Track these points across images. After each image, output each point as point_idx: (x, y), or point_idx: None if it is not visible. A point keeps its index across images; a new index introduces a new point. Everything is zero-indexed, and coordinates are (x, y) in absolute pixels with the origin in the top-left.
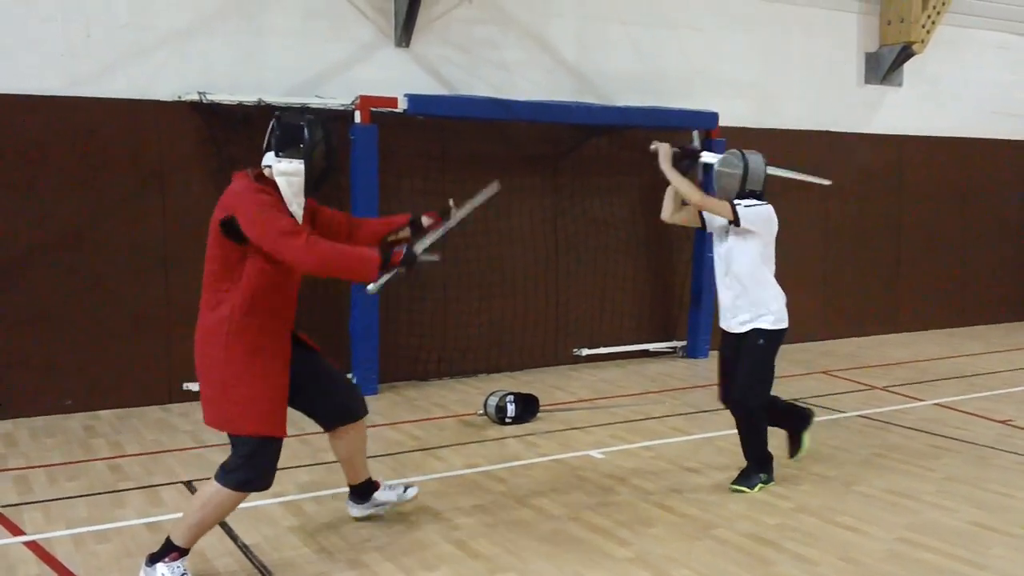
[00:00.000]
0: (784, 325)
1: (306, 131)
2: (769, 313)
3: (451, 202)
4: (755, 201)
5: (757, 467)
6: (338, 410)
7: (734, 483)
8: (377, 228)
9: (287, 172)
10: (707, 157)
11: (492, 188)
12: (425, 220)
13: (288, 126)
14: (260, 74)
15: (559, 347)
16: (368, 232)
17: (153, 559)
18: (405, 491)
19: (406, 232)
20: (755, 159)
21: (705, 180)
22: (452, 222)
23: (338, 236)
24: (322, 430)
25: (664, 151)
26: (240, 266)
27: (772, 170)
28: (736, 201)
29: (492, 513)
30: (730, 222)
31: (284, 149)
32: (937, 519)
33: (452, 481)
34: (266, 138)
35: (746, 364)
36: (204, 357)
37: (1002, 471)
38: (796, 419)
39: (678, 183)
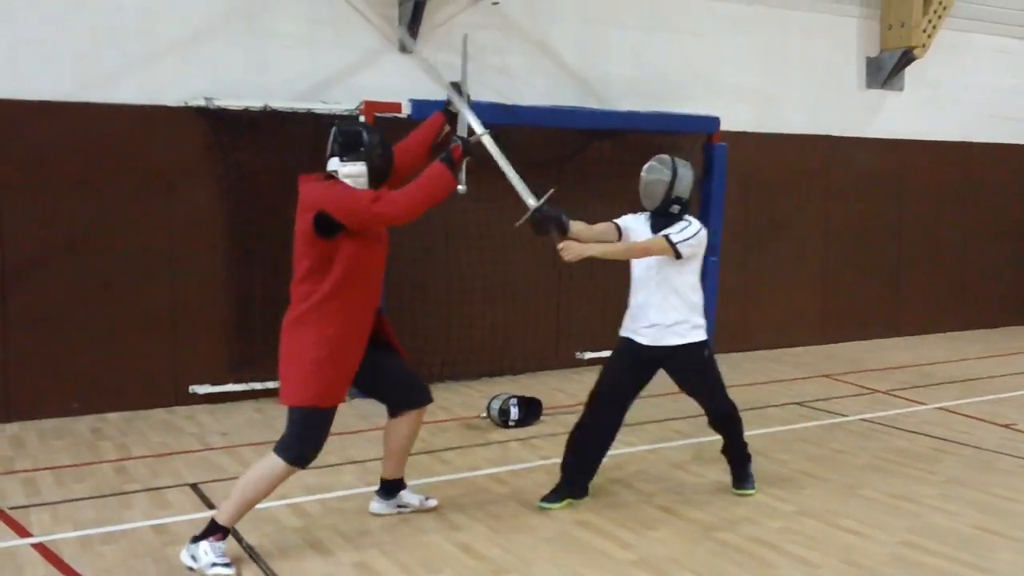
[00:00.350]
0: (706, 337)
1: (365, 136)
2: (702, 324)
3: (450, 84)
4: (688, 225)
5: (747, 464)
6: (403, 395)
7: (737, 488)
8: (421, 139)
9: (352, 174)
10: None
11: (465, 42)
12: (451, 109)
13: (348, 133)
14: (266, 80)
15: (561, 350)
16: (415, 150)
17: (199, 536)
18: (427, 499)
19: (446, 129)
20: (684, 167)
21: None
22: (465, 88)
23: (400, 178)
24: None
25: (573, 249)
26: (331, 260)
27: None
28: (668, 231)
29: (495, 515)
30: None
31: (347, 154)
32: (940, 523)
33: (455, 484)
34: (329, 146)
35: (704, 379)
36: (293, 343)
37: (1005, 475)
38: (582, 481)
39: (603, 253)
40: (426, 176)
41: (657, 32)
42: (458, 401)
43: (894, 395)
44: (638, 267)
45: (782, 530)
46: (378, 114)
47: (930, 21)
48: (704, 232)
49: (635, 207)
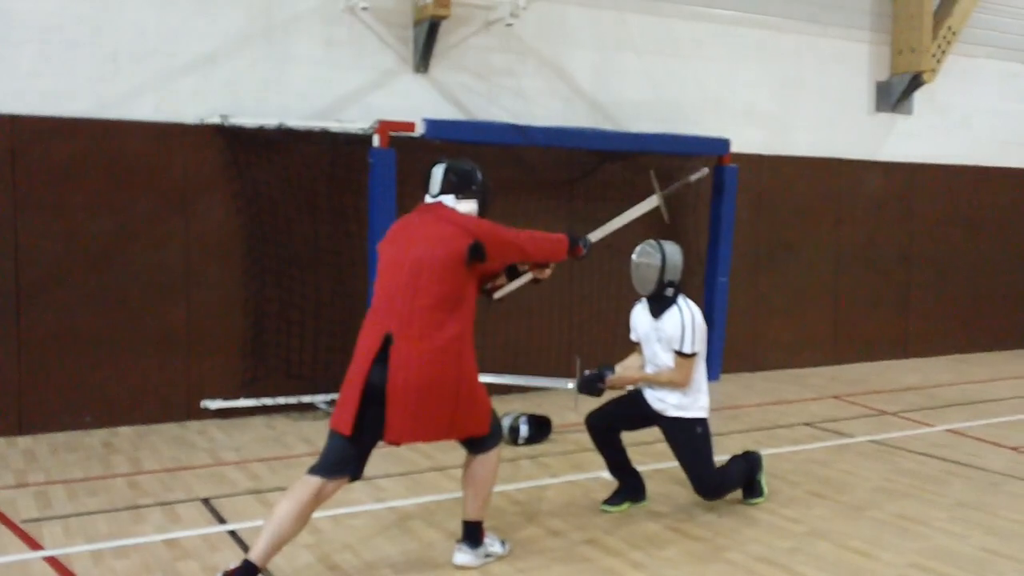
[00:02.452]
0: (707, 414)
1: (478, 174)
2: (699, 403)
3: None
4: (683, 319)
5: (750, 477)
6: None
7: (746, 500)
8: None
9: (466, 211)
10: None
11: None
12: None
13: (462, 171)
14: (282, 98)
15: (572, 369)
16: None
17: (478, 540)
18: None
19: (501, 278)
20: (671, 249)
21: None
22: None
23: None
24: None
25: (620, 380)
26: (465, 289)
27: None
28: (678, 347)
29: (505, 534)
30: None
31: (461, 191)
32: (948, 545)
33: None
34: (437, 183)
35: (691, 454)
36: (433, 378)
37: (1013, 498)
38: (636, 485)
39: (645, 380)
40: (555, 242)
41: (670, 56)
42: None
43: (902, 417)
44: (649, 357)
45: (791, 551)
46: (393, 133)
47: (939, 46)
48: (698, 317)
49: (647, 230)
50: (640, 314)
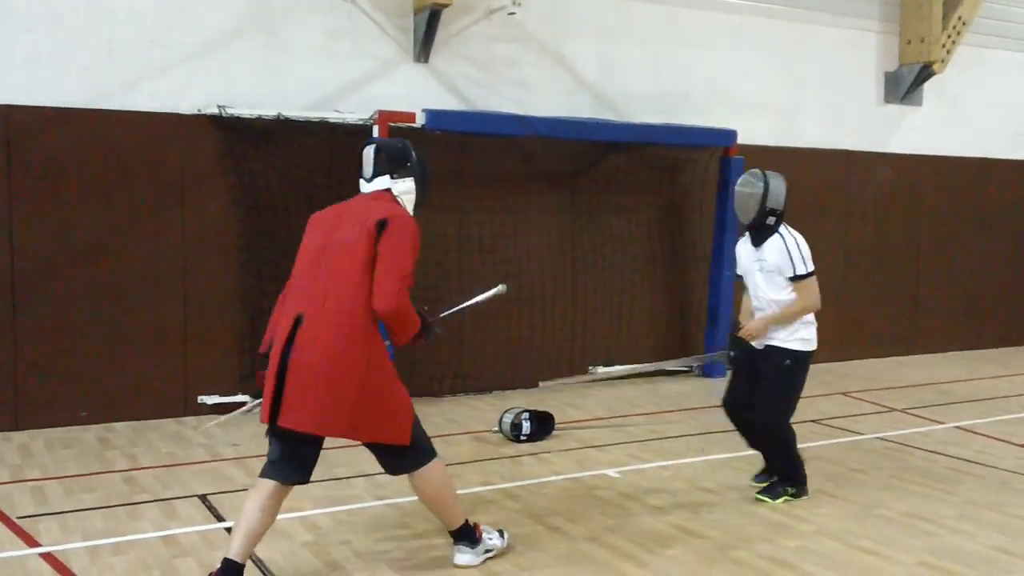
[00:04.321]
0: (812, 347)
1: (412, 152)
2: (795, 332)
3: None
4: (794, 243)
5: (786, 480)
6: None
7: (759, 492)
8: None
9: (405, 191)
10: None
11: (496, 290)
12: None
13: (395, 149)
14: (280, 89)
15: (575, 365)
16: None
17: (470, 543)
18: (503, 534)
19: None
20: (776, 179)
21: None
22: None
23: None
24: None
25: (754, 326)
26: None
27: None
28: (791, 271)
29: (508, 531)
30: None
31: (396, 171)
32: (958, 543)
33: (467, 498)
34: (370, 165)
35: (769, 385)
36: (335, 364)
37: (1023, 496)
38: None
39: (789, 318)
40: (416, 319)
41: (675, 46)
42: (470, 415)
43: (911, 413)
44: (751, 290)
45: (799, 549)
46: (392, 124)
47: (949, 36)
48: (801, 238)
49: (651, 222)
50: (742, 246)
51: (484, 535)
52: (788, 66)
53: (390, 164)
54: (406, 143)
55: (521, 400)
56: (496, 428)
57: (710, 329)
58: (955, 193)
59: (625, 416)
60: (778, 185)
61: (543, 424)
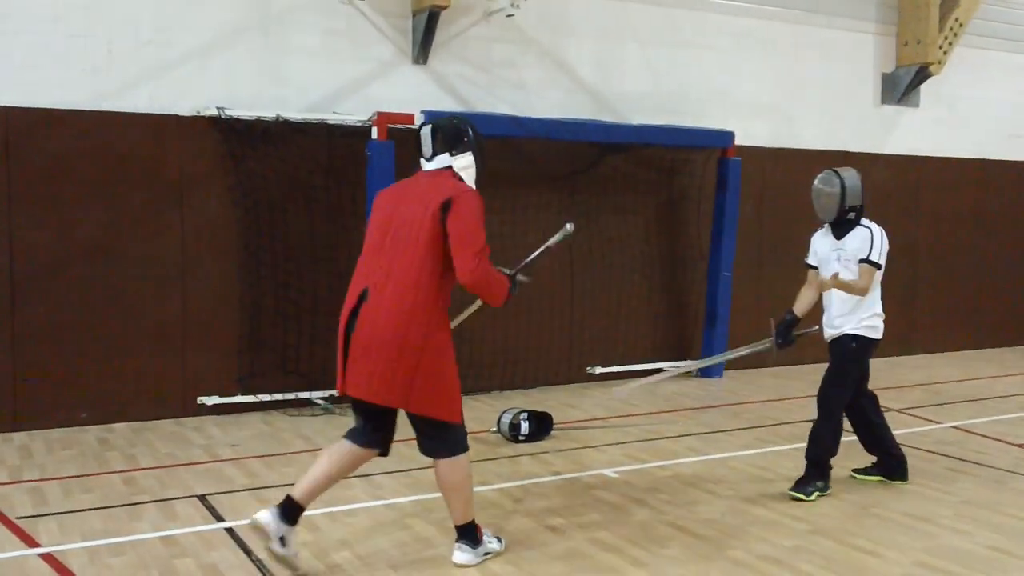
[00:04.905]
0: (877, 336)
1: (467, 128)
2: (863, 321)
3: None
4: (868, 234)
5: (815, 473)
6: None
7: (791, 489)
8: None
9: (465, 166)
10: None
11: (565, 231)
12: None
13: (448, 127)
14: (279, 90)
15: (573, 365)
16: None
17: (472, 543)
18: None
19: None
20: (850, 175)
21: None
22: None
23: None
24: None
25: (822, 284)
26: (448, 257)
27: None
28: (865, 256)
29: (506, 531)
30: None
31: (455, 147)
32: (955, 543)
33: None
34: (429, 145)
35: (834, 366)
36: (395, 337)
37: (1020, 495)
38: (893, 465)
39: (836, 283)
40: (500, 280)
41: (673, 47)
42: (468, 415)
43: (908, 413)
44: (824, 274)
45: (795, 549)
46: (391, 125)
47: (946, 38)
48: (883, 235)
49: (649, 223)
50: (821, 238)
51: (485, 538)
52: (785, 67)
53: (448, 142)
54: (461, 119)
55: (519, 400)
56: (494, 428)
57: (708, 329)
58: (952, 194)
59: (623, 416)
60: (853, 182)
61: (541, 424)
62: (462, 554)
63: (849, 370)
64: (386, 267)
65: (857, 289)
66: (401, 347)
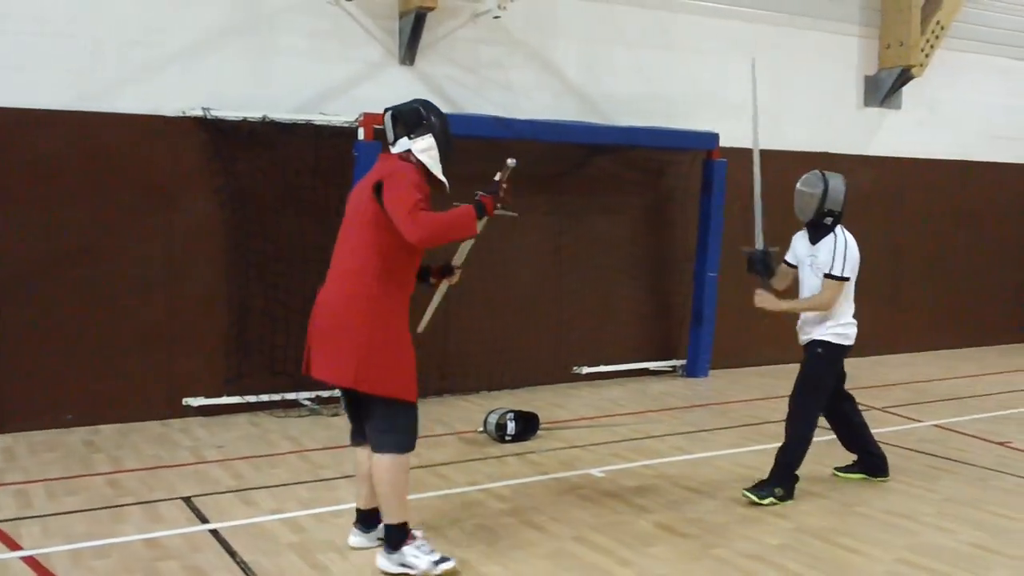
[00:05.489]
0: (846, 342)
1: (423, 110)
2: (831, 328)
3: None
4: (835, 245)
5: (776, 479)
6: None
7: (747, 488)
8: None
9: (425, 148)
10: (761, 244)
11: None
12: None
13: (407, 111)
14: (266, 91)
15: (560, 365)
16: None
17: (394, 545)
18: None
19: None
20: (835, 181)
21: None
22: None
23: None
24: (350, 443)
25: (768, 301)
26: (388, 238)
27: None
28: (828, 268)
29: (493, 531)
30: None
31: (414, 131)
32: (937, 540)
33: (453, 499)
34: (390, 131)
35: (802, 372)
36: (343, 320)
37: (1002, 493)
38: (874, 463)
39: (801, 311)
40: (456, 213)
41: (659, 50)
42: (455, 415)
43: (890, 412)
44: (800, 281)
45: (780, 547)
46: (377, 127)
47: (928, 41)
48: (852, 247)
49: (636, 224)
50: (799, 239)
51: (411, 549)
52: (770, 70)
53: (407, 126)
54: (420, 102)
55: (506, 400)
56: (481, 428)
57: (694, 329)
58: (934, 195)
59: (610, 416)
60: (837, 187)
61: (528, 424)
62: (380, 557)
63: (818, 376)
64: (338, 255)
65: (820, 306)
66: (347, 328)
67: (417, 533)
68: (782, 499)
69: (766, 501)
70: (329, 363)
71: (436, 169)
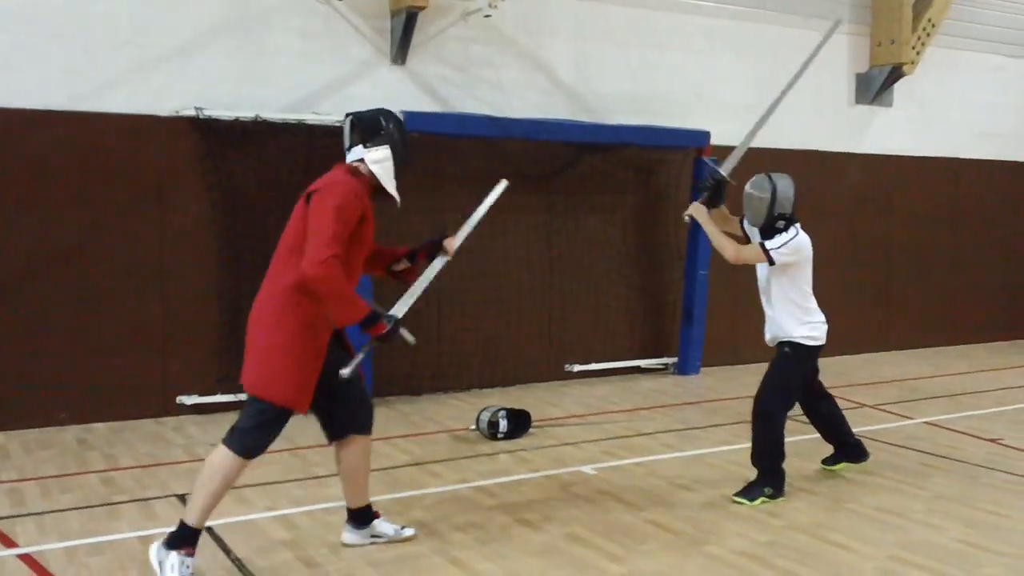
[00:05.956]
0: (814, 343)
1: (383, 120)
2: (800, 331)
3: (446, 231)
4: (785, 233)
5: (763, 480)
6: (346, 419)
7: (736, 494)
8: (391, 254)
9: (379, 159)
10: (725, 172)
11: (499, 187)
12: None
13: (367, 119)
14: (259, 91)
15: (551, 363)
16: (383, 258)
17: (170, 544)
18: (402, 529)
19: (404, 263)
20: (783, 182)
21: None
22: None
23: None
24: (326, 441)
25: (700, 214)
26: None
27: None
28: (765, 241)
29: (485, 528)
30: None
31: (369, 139)
32: (928, 537)
33: (445, 496)
34: (347, 136)
35: (769, 371)
36: (257, 323)
37: (992, 490)
38: (853, 451)
39: (716, 243)
40: (354, 300)
41: (650, 48)
42: (447, 413)
43: (882, 409)
44: (760, 281)
45: (771, 544)
46: None
47: (919, 38)
48: (801, 239)
49: (627, 222)
50: (754, 233)
51: (177, 559)
52: (760, 68)
53: (364, 133)
54: (382, 110)
55: (498, 398)
56: (473, 426)
57: (685, 327)
58: (925, 193)
59: (601, 414)
60: (785, 189)
61: (520, 422)
62: (155, 556)
63: (785, 376)
64: (273, 259)
65: (727, 252)
66: (256, 336)
67: (190, 560)
68: (773, 497)
69: (757, 502)
70: (244, 368)
71: (389, 184)
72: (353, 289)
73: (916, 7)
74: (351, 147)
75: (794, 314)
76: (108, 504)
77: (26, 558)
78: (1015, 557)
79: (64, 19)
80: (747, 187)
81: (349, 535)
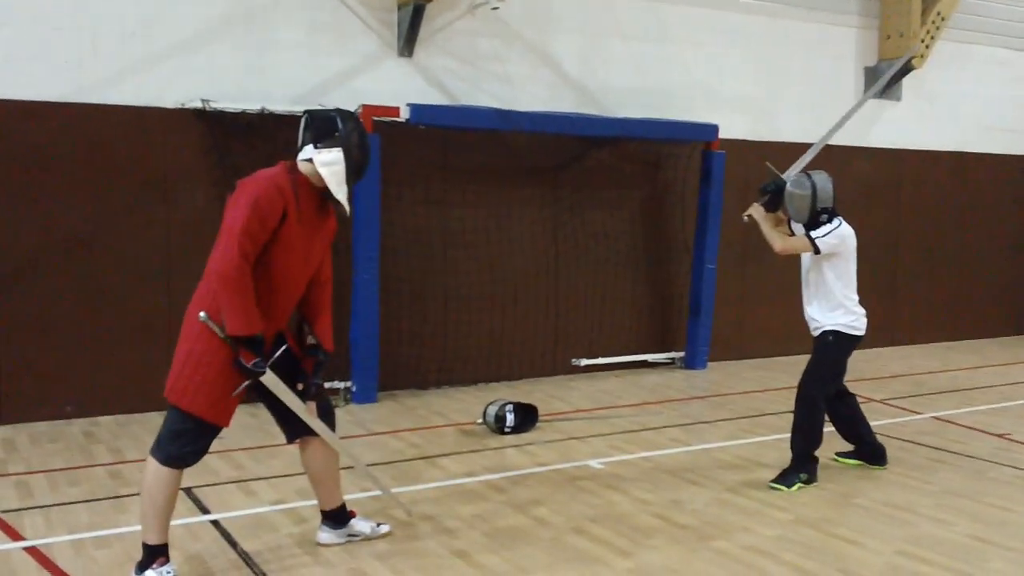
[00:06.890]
0: (856, 332)
1: (339, 121)
2: (840, 320)
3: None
4: (829, 224)
5: (798, 465)
6: (300, 421)
7: (772, 480)
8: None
9: (328, 162)
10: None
11: None
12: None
13: (322, 119)
14: (265, 83)
15: (558, 357)
16: (306, 314)
17: (142, 568)
18: (379, 526)
19: (312, 339)
20: (821, 179)
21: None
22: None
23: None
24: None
25: (759, 214)
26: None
27: None
28: (812, 231)
29: (491, 522)
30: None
31: (322, 140)
32: (935, 532)
33: (452, 490)
34: (300, 134)
35: (812, 358)
36: (183, 326)
37: (1000, 485)
38: (871, 452)
39: (767, 236)
40: (250, 311)
41: (657, 42)
42: (454, 407)
43: (889, 404)
44: (803, 272)
45: (778, 539)
46: (376, 118)
47: (928, 32)
48: (845, 228)
49: (634, 216)
50: (798, 229)
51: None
52: (769, 61)
53: (316, 133)
54: (341, 111)
55: (505, 392)
56: (480, 420)
57: (692, 321)
58: (933, 187)
59: (608, 408)
60: (824, 184)
61: (527, 416)
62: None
63: (828, 364)
64: None
65: (776, 245)
66: (180, 341)
67: (167, 567)
68: (808, 482)
69: (795, 488)
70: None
71: (338, 190)
72: (258, 299)
73: (925, 0)
74: (303, 145)
75: (842, 303)
76: (115, 497)
77: (33, 551)
78: (1023, 552)
79: (70, 11)
80: (788, 187)
81: (325, 535)
